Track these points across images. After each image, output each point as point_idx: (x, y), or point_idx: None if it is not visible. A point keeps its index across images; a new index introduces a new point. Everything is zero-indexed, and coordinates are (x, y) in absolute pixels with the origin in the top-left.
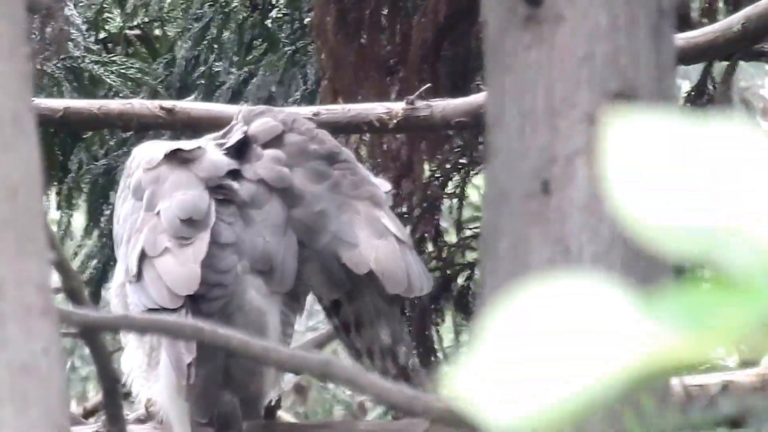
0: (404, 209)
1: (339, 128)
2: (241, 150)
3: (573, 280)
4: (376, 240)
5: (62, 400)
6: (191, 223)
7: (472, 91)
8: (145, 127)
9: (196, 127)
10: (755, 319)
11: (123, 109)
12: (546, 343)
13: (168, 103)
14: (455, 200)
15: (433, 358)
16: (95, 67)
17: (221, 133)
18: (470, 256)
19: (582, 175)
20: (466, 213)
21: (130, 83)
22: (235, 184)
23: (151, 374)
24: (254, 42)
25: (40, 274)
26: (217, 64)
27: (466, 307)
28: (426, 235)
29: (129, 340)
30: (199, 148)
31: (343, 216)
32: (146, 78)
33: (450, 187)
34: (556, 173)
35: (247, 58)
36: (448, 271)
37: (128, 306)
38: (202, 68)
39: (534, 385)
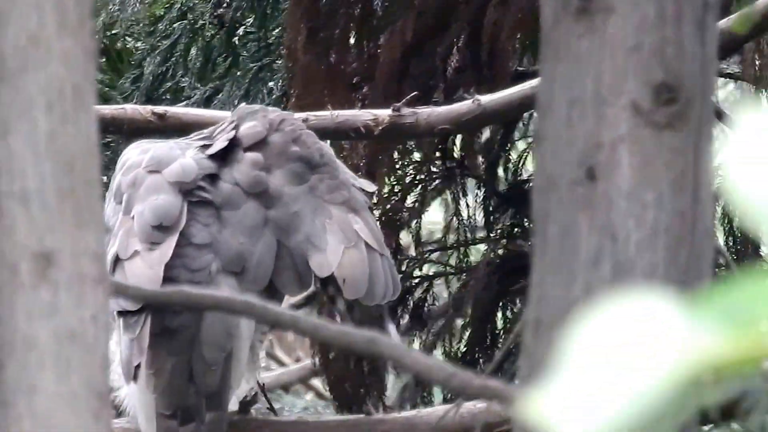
0: None
1: (327, 134)
2: (226, 152)
3: (630, 297)
4: (343, 245)
5: (105, 368)
6: (161, 229)
7: (455, 100)
8: (136, 132)
9: (187, 132)
10: None
11: (116, 113)
12: (613, 362)
13: (160, 109)
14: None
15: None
16: None
17: (210, 130)
18: (428, 269)
19: (626, 162)
20: (425, 227)
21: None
22: (208, 189)
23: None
24: (219, 59)
25: (96, 243)
26: (183, 79)
27: (420, 319)
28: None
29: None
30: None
31: (317, 219)
32: (113, 92)
33: (409, 202)
34: (601, 160)
35: (213, 75)
36: (407, 284)
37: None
38: (169, 84)
39: (604, 403)
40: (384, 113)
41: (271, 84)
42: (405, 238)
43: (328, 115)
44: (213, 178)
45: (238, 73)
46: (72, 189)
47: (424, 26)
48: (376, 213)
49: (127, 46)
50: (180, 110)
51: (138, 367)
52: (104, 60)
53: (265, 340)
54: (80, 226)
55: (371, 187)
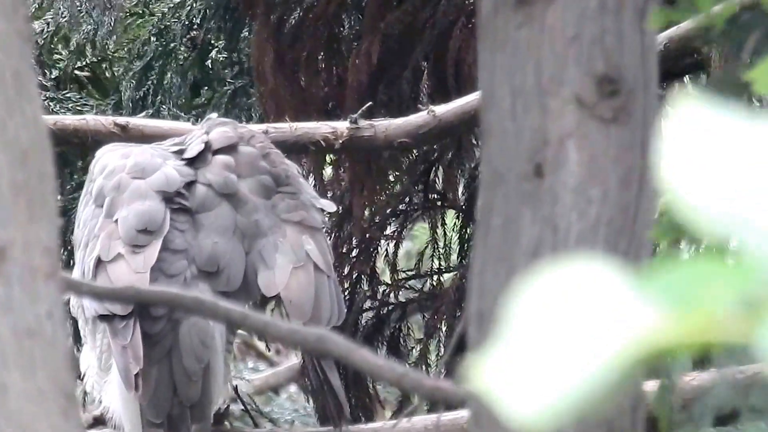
0: (344, 249)
1: (286, 147)
2: (199, 154)
3: (572, 264)
4: (292, 265)
5: (68, 364)
6: (146, 233)
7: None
8: (99, 143)
9: (149, 142)
10: (738, 297)
11: (78, 125)
12: (556, 331)
13: (122, 120)
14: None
15: (367, 398)
16: (51, 104)
17: (182, 138)
18: (403, 296)
19: (574, 159)
20: (402, 255)
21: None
22: (186, 195)
23: (103, 377)
24: (198, 86)
25: (48, 237)
26: (163, 107)
27: (397, 348)
28: (362, 275)
29: (86, 340)
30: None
31: (271, 237)
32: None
33: (388, 231)
34: (548, 156)
35: (191, 101)
36: (382, 311)
37: (83, 308)
38: (150, 110)
39: (549, 375)
40: (342, 126)
41: (248, 107)
42: (380, 265)
43: (287, 128)
44: (189, 184)
45: (215, 97)
46: (26, 181)
47: (389, 49)
48: (354, 240)
49: (104, 67)
50: (141, 121)
51: (138, 375)
52: (92, 86)
53: (233, 352)
54: (33, 220)
55: (331, 207)
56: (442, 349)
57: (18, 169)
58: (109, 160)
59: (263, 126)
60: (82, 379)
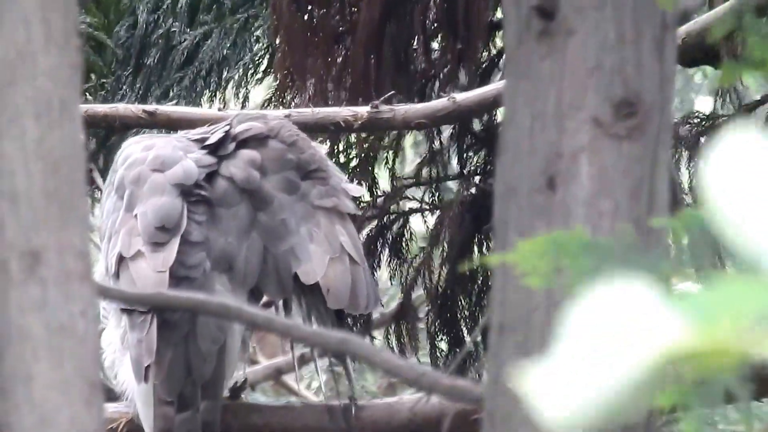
0: (342, 160)
1: (307, 129)
2: (223, 145)
3: (610, 281)
4: (329, 257)
5: (96, 358)
6: (164, 230)
7: (432, 97)
8: (127, 129)
9: (176, 129)
10: (760, 312)
11: (108, 111)
12: (593, 340)
13: (150, 107)
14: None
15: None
16: None
17: (209, 128)
18: (404, 205)
19: (585, 172)
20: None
21: (92, 42)
22: (205, 187)
23: (124, 354)
24: (211, 7)
25: (80, 241)
26: (175, 25)
27: (399, 251)
28: (362, 183)
29: (109, 320)
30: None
31: (303, 228)
32: (107, 39)
33: (386, 141)
34: (561, 169)
35: (202, 20)
36: (384, 220)
37: (105, 302)
38: (161, 31)
39: (582, 379)
40: (363, 110)
41: (258, 33)
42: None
43: (309, 112)
44: (211, 175)
45: (227, 23)
46: (57, 190)
47: None
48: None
49: None
50: (169, 108)
51: (148, 368)
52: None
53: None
54: (65, 226)
55: (359, 191)
56: (446, 255)
57: (50, 177)
58: (132, 151)
59: (285, 111)
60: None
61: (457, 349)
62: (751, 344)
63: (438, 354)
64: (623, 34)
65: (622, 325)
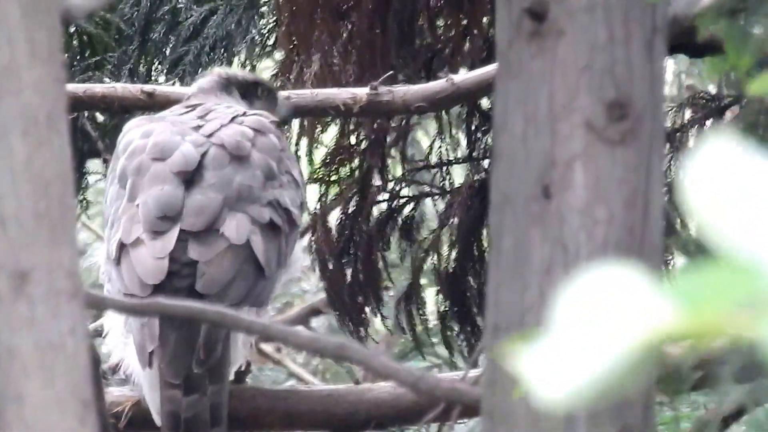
0: (353, 141)
1: (306, 111)
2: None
3: (600, 270)
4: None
5: (87, 376)
6: (165, 219)
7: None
8: (125, 110)
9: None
10: (744, 298)
11: (106, 92)
12: (586, 324)
13: (148, 87)
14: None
15: (378, 281)
16: None
17: (205, 107)
18: (415, 190)
19: (579, 180)
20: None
21: (96, 18)
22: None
23: (128, 337)
24: None
25: (70, 261)
26: (181, 1)
27: (409, 233)
28: (372, 166)
29: None
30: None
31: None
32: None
33: (395, 122)
34: (555, 178)
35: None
36: (394, 203)
37: (108, 285)
38: (167, 7)
39: (575, 360)
40: (362, 92)
41: (263, 9)
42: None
43: (308, 93)
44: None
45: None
46: (48, 210)
47: None
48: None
49: None
50: (167, 89)
51: (152, 353)
52: None
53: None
54: (55, 246)
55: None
56: (455, 238)
57: (40, 198)
58: (132, 137)
59: (285, 93)
60: (104, 338)
61: (468, 328)
62: (737, 327)
63: (449, 333)
64: (613, 36)
65: (614, 308)
